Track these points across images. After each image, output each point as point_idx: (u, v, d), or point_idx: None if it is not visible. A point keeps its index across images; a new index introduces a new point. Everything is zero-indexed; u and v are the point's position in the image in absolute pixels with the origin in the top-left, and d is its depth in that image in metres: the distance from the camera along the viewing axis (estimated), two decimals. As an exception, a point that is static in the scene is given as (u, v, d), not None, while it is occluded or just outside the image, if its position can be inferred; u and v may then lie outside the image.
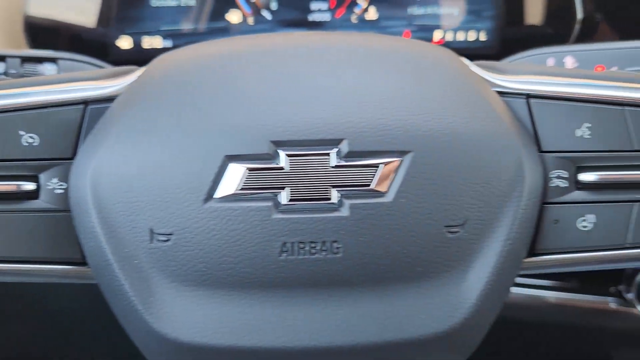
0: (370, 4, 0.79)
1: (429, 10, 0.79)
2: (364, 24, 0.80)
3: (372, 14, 0.79)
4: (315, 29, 0.80)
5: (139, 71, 0.39)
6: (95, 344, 0.87)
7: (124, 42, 0.81)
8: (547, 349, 1.03)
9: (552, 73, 0.39)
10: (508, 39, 0.80)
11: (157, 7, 0.80)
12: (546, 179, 0.38)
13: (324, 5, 0.79)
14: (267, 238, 0.34)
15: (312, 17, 0.80)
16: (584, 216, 0.38)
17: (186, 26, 0.80)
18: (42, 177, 0.37)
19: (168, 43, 0.81)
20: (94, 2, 0.80)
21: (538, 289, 0.94)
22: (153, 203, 0.34)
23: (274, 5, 0.80)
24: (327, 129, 0.34)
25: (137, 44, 0.81)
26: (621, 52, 0.59)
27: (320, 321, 0.35)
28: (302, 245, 0.34)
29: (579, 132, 0.38)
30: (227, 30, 0.80)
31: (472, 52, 0.81)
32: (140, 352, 0.38)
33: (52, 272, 0.38)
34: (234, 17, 0.80)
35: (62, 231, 0.37)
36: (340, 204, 0.34)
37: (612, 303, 0.93)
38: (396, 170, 0.34)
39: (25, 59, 0.65)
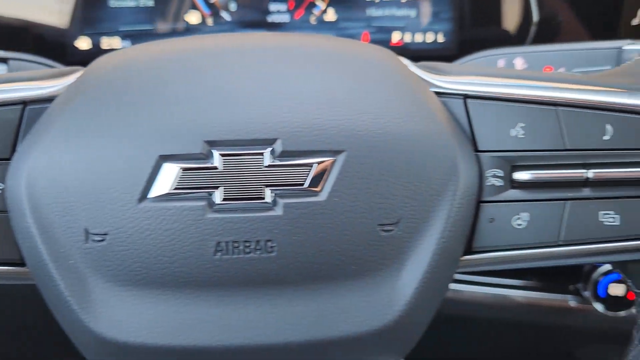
0: (329, 5, 0.80)
1: (388, 12, 0.80)
2: (322, 25, 0.80)
3: (330, 15, 0.80)
4: (274, 30, 0.80)
5: (80, 72, 0.39)
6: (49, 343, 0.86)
7: (83, 43, 0.80)
8: (509, 347, 1.04)
9: (490, 74, 0.40)
10: (466, 40, 0.82)
11: (116, 7, 0.80)
12: (482, 178, 0.38)
13: (282, 7, 0.80)
14: (201, 237, 0.34)
15: (271, 18, 0.80)
16: (518, 214, 0.38)
17: (145, 27, 0.80)
18: None
19: (127, 44, 0.80)
20: (53, 2, 0.80)
21: (499, 287, 0.95)
22: (88, 203, 0.34)
23: (232, 7, 0.80)
24: (261, 129, 0.34)
25: (95, 44, 0.80)
26: (569, 53, 0.61)
27: (255, 320, 0.35)
28: (236, 245, 0.34)
29: (513, 132, 0.38)
30: (186, 31, 0.80)
31: (430, 53, 0.82)
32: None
33: None
34: (193, 18, 0.80)
35: (0, 232, 0.37)
36: (274, 203, 0.34)
37: (571, 301, 0.95)
38: (329, 169, 0.35)
39: (-26, 59, 0.65)
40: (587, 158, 0.38)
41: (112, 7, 0.79)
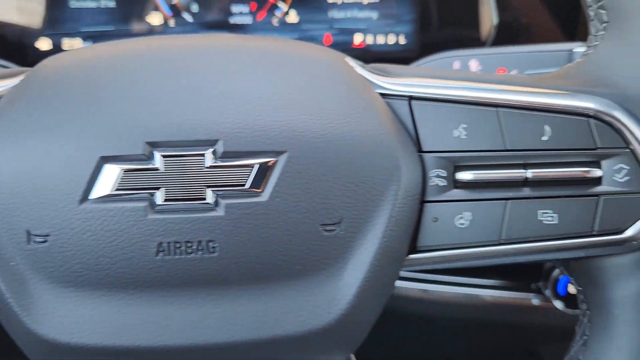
0: (290, 7, 0.80)
1: (350, 14, 0.81)
2: (285, 27, 0.81)
3: (293, 17, 0.80)
4: (237, 31, 0.80)
5: (27, 72, 0.39)
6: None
7: (43, 44, 0.80)
8: (475, 345, 1.05)
9: (434, 76, 0.41)
10: (428, 42, 0.82)
11: (77, 8, 0.79)
12: (426, 178, 0.39)
13: (244, 9, 0.80)
14: (142, 238, 0.34)
15: (233, 20, 0.80)
16: (461, 214, 0.39)
17: (107, 28, 0.80)
18: None
19: (88, 45, 0.80)
20: (14, 1, 0.79)
21: (466, 287, 0.96)
22: (29, 204, 0.34)
23: (194, 8, 0.80)
24: (202, 130, 0.35)
25: (56, 45, 0.80)
26: (522, 55, 0.62)
27: (198, 320, 0.36)
28: (178, 245, 0.35)
29: (456, 133, 0.39)
30: (148, 33, 0.80)
31: (392, 55, 0.83)
32: None
33: None
34: (154, 19, 0.80)
35: None
36: (215, 203, 0.35)
37: (534, 299, 0.96)
38: (271, 170, 0.35)
39: None
40: (526, 158, 0.38)
41: (73, 8, 0.79)
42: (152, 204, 0.34)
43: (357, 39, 0.82)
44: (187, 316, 0.36)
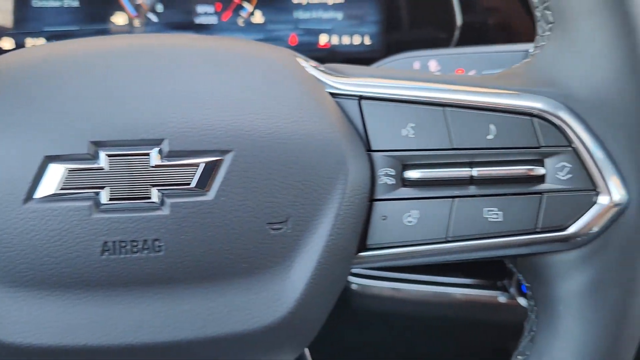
0: (256, 8, 0.80)
1: (315, 14, 0.81)
2: (250, 28, 0.81)
3: (258, 17, 0.81)
4: (202, 31, 0.80)
5: None
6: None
7: (6, 43, 0.79)
8: (445, 343, 1.06)
9: (385, 76, 0.41)
10: (392, 42, 0.83)
11: (40, 7, 0.79)
12: (375, 177, 0.39)
13: (210, 9, 0.80)
14: (87, 237, 0.34)
15: (198, 20, 0.80)
16: (409, 212, 0.39)
17: (70, 28, 0.79)
18: None
19: (52, 44, 0.79)
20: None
21: (435, 285, 0.97)
22: None
23: (159, 8, 0.80)
24: (148, 129, 0.35)
25: (19, 45, 0.79)
26: (480, 56, 0.62)
27: (144, 319, 0.36)
28: (123, 244, 0.35)
29: (404, 132, 0.39)
30: (112, 33, 0.80)
31: (357, 55, 0.83)
32: None
33: None
34: (119, 19, 0.79)
35: None
36: (161, 202, 0.35)
37: (500, 297, 0.97)
38: (217, 169, 0.35)
39: None
40: (472, 157, 0.39)
41: (36, 7, 0.78)
42: (97, 203, 0.34)
43: (323, 39, 0.82)
44: (134, 315, 0.36)
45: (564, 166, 0.38)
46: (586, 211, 0.38)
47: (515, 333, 1.02)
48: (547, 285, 0.40)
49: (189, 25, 0.80)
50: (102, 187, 0.34)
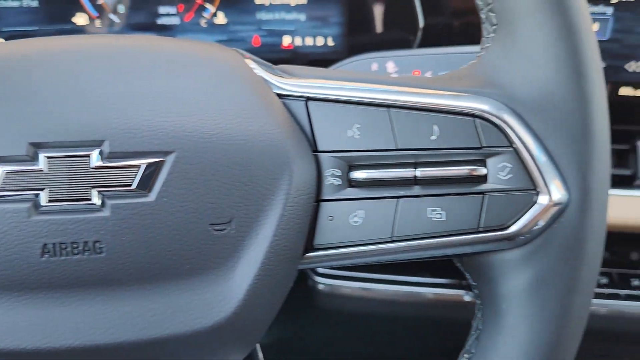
0: (218, 9, 0.80)
1: (277, 15, 0.81)
2: (213, 29, 0.81)
3: (221, 18, 0.80)
4: (164, 32, 0.80)
5: None
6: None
7: (-35, 44, 0.78)
8: (413, 341, 1.07)
9: (333, 77, 0.41)
10: (356, 44, 0.83)
11: (-1, 8, 0.78)
12: (321, 178, 0.40)
13: (172, 10, 0.80)
14: (26, 240, 0.34)
15: (160, 21, 0.80)
16: (355, 212, 0.40)
17: (30, 28, 0.78)
18: None
19: (12, 45, 0.79)
20: None
21: (404, 285, 0.98)
22: None
23: (121, 8, 0.79)
24: (88, 131, 0.35)
25: (-22, 45, 0.78)
26: (438, 57, 0.63)
27: (86, 320, 0.35)
28: (63, 246, 0.34)
29: (350, 133, 0.40)
30: (73, 33, 0.79)
31: (321, 56, 0.83)
32: None
33: None
34: (80, 19, 0.79)
35: None
36: (102, 204, 0.35)
37: (465, 296, 0.98)
38: (159, 170, 0.35)
39: None
40: (416, 157, 0.39)
41: (-5, 8, 0.78)
42: (37, 205, 0.34)
43: (286, 40, 0.82)
44: (75, 317, 0.35)
45: (505, 166, 0.39)
46: (527, 210, 0.39)
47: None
48: (491, 284, 0.41)
49: (151, 26, 0.80)
50: (42, 189, 0.34)
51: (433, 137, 0.39)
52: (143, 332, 0.36)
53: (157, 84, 0.37)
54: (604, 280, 0.91)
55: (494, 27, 0.41)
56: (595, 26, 0.82)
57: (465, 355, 0.43)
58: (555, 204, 0.38)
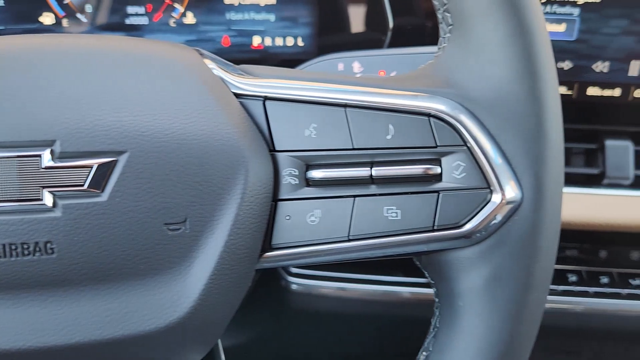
0: (187, 8, 0.80)
1: (247, 15, 0.81)
2: (182, 29, 0.80)
3: (190, 18, 0.80)
4: (133, 32, 0.80)
5: None
6: None
7: None
8: (390, 340, 1.07)
9: (291, 77, 0.41)
10: (326, 44, 0.84)
11: (-36, 7, 0.77)
12: (279, 177, 0.40)
13: (140, 10, 0.79)
14: None
15: (129, 21, 0.80)
16: (312, 211, 0.40)
17: (-4, 28, 0.78)
18: None
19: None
20: None
21: (382, 284, 0.98)
22: None
23: (88, 8, 0.79)
24: (39, 130, 0.34)
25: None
26: (403, 57, 0.63)
27: (39, 322, 0.35)
28: (14, 247, 0.34)
29: (307, 132, 0.40)
30: (40, 33, 0.79)
31: (291, 57, 0.83)
32: None
33: None
34: (47, 19, 0.78)
35: None
36: (53, 204, 0.34)
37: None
38: (111, 170, 0.35)
39: None
40: (373, 157, 0.40)
41: (-41, 7, 0.77)
42: None
43: (256, 40, 0.82)
44: (27, 318, 0.35)
45: (459, 165, 0.39)
46: (481, 209, 0.39)
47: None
48: (448, 282, 0.41)
49: (119, 26, 0.80)
50: None
51: (389, 137, 0.39)
52: (97, 332, 0.36)
53: (110, 84, 0.36)
54: (573, 278, 0.93)
55: (450, 27, 0.41)
56: (563, 27, 0.83)
57: (424, 353, 0.43)
58: (509, 202, 0.38)
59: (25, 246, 0.34)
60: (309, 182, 0.40)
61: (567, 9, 0.82)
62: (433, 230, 0.39)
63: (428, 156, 0.39)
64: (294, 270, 0.96)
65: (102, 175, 0.35)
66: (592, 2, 0.81)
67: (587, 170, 0.88)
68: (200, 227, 0.37)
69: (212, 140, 0.37)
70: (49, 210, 0.34)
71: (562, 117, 0.40)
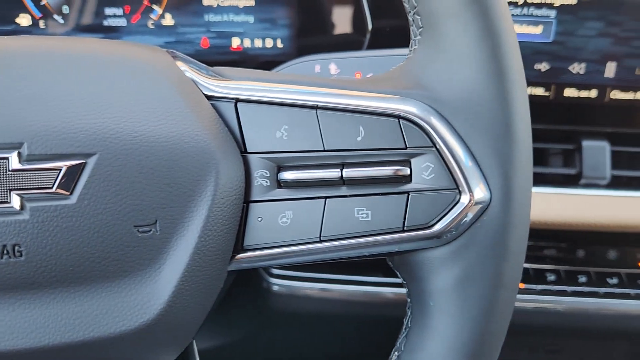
0: (165, 10, 0.80)
1: (226, 17, 0.81)
2: (161, 30, 0.80)
3: (168, 20, 0.80)
4: (111, 34, 0.80)
5: None
6: None
7: None
8: (373, 340, 1.07)
9: (263, 79, 0.41)
10: (305, 46, 0.84)
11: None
12: (251, 179, 0.40)
13: (118, 11, 0.79)
14: None
15: (107, 22, 0.79)
16: (284, 213, 0.40)
17: (-28, 29, 0.77)
18: None
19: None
20: None
21: (363, 285, 0.98)
22: None
23: (65, 9, 0.78)
24: (6, 133, 0.34)
25: None
26: (379, 59, 0.64)
27: (7, 325, 0.35)
28: None
29: (278, 134, 0.40)
30: (16, 34, 0.78)
31: (270, 58, 0.84)
32: None
33: None
34: (23, 20, 0.78)
35: None
36: (21, 207, 0.34)
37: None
38: (80, 172, 0.35)
39: None
40: (343, 158, 0.40)
41: None
42: None
43: (235, 42, 0.82)
44: None
45: (428, 166, 0.39)
46: (450, 209, 0.39)
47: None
48: (419, 282, 0.41)
49: (97, 28, 0.79)
50: None
51: (359, 138, 0.40)
52: (67, 335, 0.36)
53: (79, 86, 0.36)
54: (552, 278, 0.93)
55: (420, 29, 0.41)
56: (539, 29, 0.83)
57: (396, 353, 0.43)
58: (478, 203, 0.39)
59: None
60: (281, 184, 0.40)
61: (543, 11, 0.83)
62: (403, 231, 0.40)
63: (398, 157, 0.40)
64: (275, 271, 0.97)
65: (71, 177, 0.35)
66: (568, 5, 0.82)
67: (565, 170, 0.89)
68: (171, 229, 0.37)
69: (182, 142, 0.37)
70: (16, 213, 0.34)
71: (530, 118, 0.40)
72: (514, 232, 0.40)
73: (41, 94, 0.35)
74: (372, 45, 0.84)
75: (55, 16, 0.78)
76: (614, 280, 0.93)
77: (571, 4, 0.82)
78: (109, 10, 0.79)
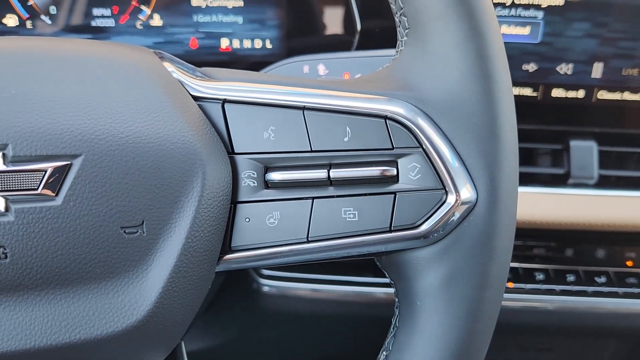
0: (154, 10, 0.80)
1: (215, 18, 0.81)
2: (149, 31, 0.80)
3: (157, 20, 0.80)
4: (99, 35, 0.79)
5: None
6: None
7: None
8: (364, 340, 1.07)
9: (250, 80, 0.42)
10: (294, 46, 0.84)
11: None
12: (238, 179, 0.40)
13: (106, 12, 0.79)
14: None
15: (95, 23, 0.79)
16: (271, 213, 0.40)
17: (-41, 30, 0.77)
18: None
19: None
20: None
21: (355, 285, 0.98)
22: None
23: (53, 10, 0.78)
24: None
25: None
26: (367, 60, 0.64)
27: None
28: None
29: (266, 135, 0.40)
30: (3, 35, 0.78)
31: (259, 59, 0.83)
32: None
33: None
34: (10, 21, 0.77)
35: None
36: (5, 209, 0.34)
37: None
38: (65, 174, 0.35)
39: None
40: (330, 159, 0.40)
41: None
42: None
43: (224, 43, 0.82)
44: None
45: (414, 166, 0.40)
46: (436, 209, 0.39)
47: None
48: (406, 281, 0.42)
49: (85, 29, 0.79)
50: None
51: (346, 139, 0.40)
52: (53, 337, 0.36)
53: (65, 86, 0.36)
54: (541, 277, 0.94)
55: (407, 30, 0.41)
56: (527, 30, 0.84)
57: (384, 353, 0.43)
58: (464, 203, 0.39)
59: None
60: (268, 185, 0.40)
61: (531, 12, 0.83)
62: (390, 231, 0.40)
63: (385, 158, 0.40)
64: (265, 272, 0.97)
65: (57, 179, 0.35)
66: (555, 6, 0.82)
67: (553, 170, 0.89)
68: (158, 230, 0.37)
69: (169, 143, 0.37)
70: (1, 214, 0.34)
71: (515, 118, 0.41)
72: (500, 231, 0.40)
73: (26, 94, 0.35)
74: (362, 46, 0.84)
75: (43, 17, 0.78)
76: (602, 279, 0.93)
77: (558, 5, 0.82)
78: (97, 11, 0.79)
